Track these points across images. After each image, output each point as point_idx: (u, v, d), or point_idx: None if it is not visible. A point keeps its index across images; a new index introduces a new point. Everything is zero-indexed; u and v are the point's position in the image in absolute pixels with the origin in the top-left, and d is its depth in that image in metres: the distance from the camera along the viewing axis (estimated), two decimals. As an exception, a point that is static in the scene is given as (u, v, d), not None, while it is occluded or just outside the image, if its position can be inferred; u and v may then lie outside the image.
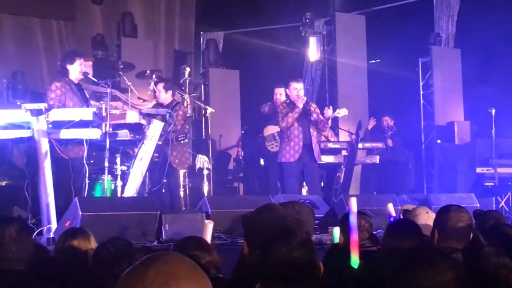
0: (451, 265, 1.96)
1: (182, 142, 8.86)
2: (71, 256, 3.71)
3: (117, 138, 7.31)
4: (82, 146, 6.91)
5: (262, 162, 10.98)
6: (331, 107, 9.16)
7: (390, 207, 4.85)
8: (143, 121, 7.40)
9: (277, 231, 2.83)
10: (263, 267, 2.68)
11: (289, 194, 8.47)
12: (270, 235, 2.79)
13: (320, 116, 9.09)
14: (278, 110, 8.97)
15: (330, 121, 9.14)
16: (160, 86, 8.99)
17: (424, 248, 3.40)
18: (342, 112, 9.11)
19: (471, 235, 3.93)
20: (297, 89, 8.95)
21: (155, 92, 9.08)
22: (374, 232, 4.68)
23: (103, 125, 7.00)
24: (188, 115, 10.50)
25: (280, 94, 9.66)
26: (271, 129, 9.77)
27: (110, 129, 7.04)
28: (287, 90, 9.09)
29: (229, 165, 12.54)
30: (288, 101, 9.02)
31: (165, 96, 8.90)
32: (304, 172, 8.99)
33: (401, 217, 5.12)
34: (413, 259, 2.02)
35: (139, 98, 9.93)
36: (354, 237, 3.12)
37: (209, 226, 3.87)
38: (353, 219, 3.23)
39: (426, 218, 4.55)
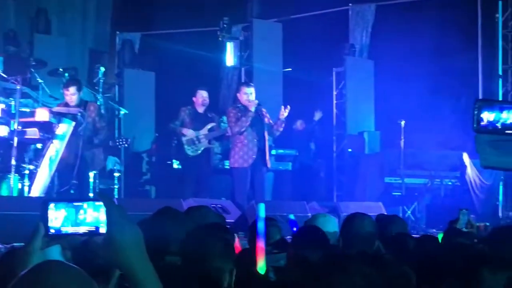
0: (364, 272, 1.93)
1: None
2: None
3: (26, 136, 7.14)
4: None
5: (175, 165, 10.91)
6: (288, 107, 8.80)
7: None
8: (53, 120, 7.25)
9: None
10: None
11: (201, 198, 8.45)
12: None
13: (270, 121, 8.95)
14: (230, 115, 8.83)
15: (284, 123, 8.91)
16: (73, 89, 8.38)
17: (335, 255, 3.43)
18: (285, 113, 8.83)
19: (376, 242, 4.01)
20: (248, 93, 8.87)
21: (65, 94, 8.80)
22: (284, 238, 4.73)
23: (12, 122, 6.83)
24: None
25: (202, 96, 9.53)
26: (189, 134, 9.51)
27: (19, 127, 6.88)
28: (237, 95, 9.02)
29: (142, 168, 12.41)
30: (240, 105, 8.93)
31: (76, 97, 8.61)
32: (253, 177, 8.82)
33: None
34: (326, 266, 1.98)
35: (50, 96, 9.71)
36: (261, 243, 3.15)
37: None
38: (261, 225, 3.26)
39: (324, 221, 4.64)
